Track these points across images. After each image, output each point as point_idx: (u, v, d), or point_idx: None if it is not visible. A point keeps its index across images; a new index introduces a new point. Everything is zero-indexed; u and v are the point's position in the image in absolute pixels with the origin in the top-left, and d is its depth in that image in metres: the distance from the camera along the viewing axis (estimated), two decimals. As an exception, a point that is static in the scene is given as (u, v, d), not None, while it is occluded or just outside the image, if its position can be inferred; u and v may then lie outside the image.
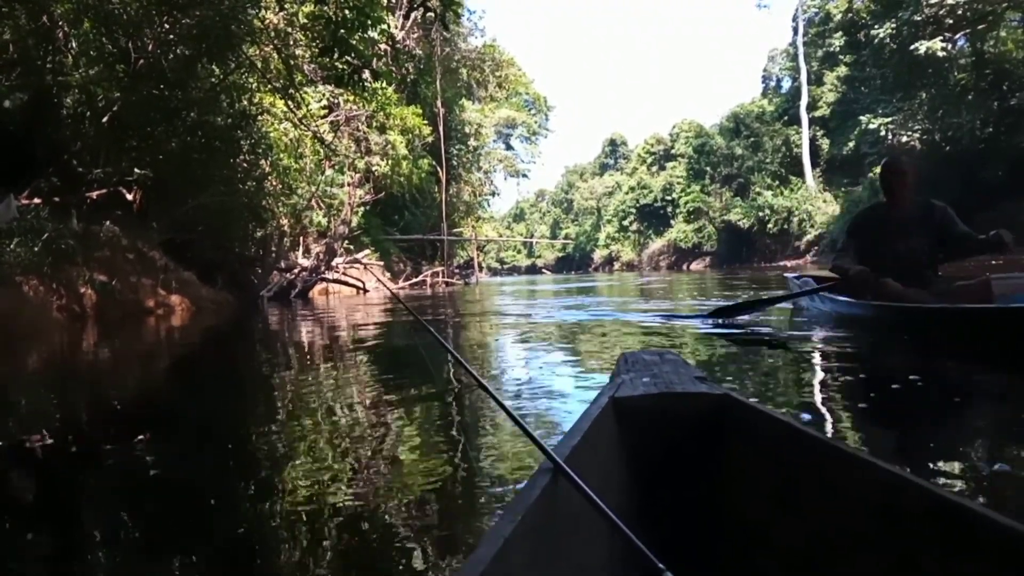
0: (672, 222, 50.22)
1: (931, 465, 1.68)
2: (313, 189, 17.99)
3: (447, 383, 3.45)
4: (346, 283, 19.81)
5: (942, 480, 1.55)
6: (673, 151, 50.98)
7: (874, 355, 3.60)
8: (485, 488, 1.77)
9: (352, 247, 21.27)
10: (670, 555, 0.69)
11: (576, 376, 3.38)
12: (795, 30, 41.17)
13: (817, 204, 35.83)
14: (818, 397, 2.57)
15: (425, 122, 22.36)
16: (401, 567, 1.36)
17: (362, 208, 21.44)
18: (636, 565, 0.69)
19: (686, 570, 0.70)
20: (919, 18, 22.80)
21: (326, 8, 11.14)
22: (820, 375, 3.06)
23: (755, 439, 1.05)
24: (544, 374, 3.46)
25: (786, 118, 41.64)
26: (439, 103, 29.06)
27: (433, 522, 1.58)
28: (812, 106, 38.75)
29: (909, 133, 26.76)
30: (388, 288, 5.71)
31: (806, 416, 2.18)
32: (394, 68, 23.01)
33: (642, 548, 0.69)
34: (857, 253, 4.16)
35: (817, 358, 3.52)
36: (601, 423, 1.07)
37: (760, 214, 38.22)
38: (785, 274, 7.28)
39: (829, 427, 2.13)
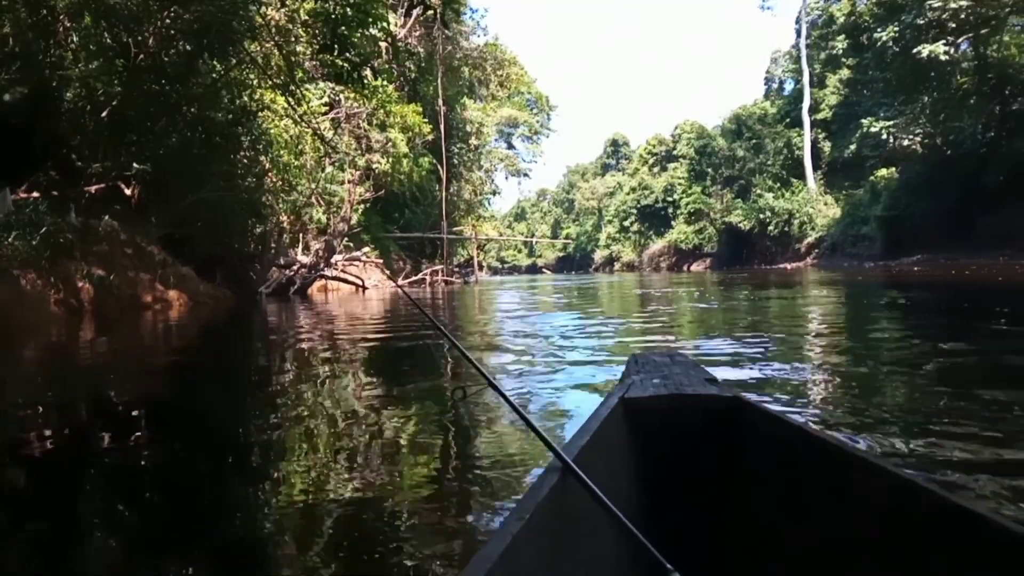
0: (673, 223, 50.21)
1: None
2: (313, 186, 17.97)
3: (453, 380, 3.43)
4: (345, 280, 19.81)
5: None
6: (675, 152, 50.98)
7: None
8: (494, 486, 1.74)
9: (352, 244, 21.27)
10: (678, 556, 0.67)
11: (584, 376, 3.35)
12: (798, 32, 41.20)
13: (818, 207, 35.81)
14: None
15: (426, 120, 22.35)
16: (407, 565, 1.33)
17: (362, 205, 21.43)
18: (644, 565, 0.67)
19: (694, 571, 0.69)
20: (922, 22, 22.77)
21: (327, 5, 11.13)
22: None
23: (765, 442, 1.04)
24: (553, 373, 3.44)
25: (788, 120, 41.65)
26: (440, 101, 29.04)
27: (440, 521, 1.55)
28: (814, 108, 38.76)
29: (911, 136, 26.78)
30: (399, 287, 5.60)
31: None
32: (395, 66, 23.01)
33: (650, 548, 0.68)
34: None
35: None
36: (611, 423, 1.05)
37: (761, 216, 38.19)
38: None
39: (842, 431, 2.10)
